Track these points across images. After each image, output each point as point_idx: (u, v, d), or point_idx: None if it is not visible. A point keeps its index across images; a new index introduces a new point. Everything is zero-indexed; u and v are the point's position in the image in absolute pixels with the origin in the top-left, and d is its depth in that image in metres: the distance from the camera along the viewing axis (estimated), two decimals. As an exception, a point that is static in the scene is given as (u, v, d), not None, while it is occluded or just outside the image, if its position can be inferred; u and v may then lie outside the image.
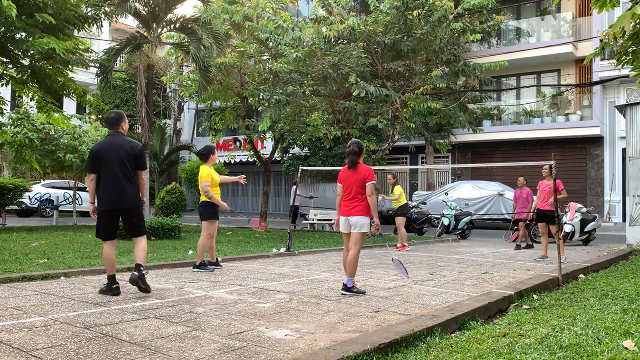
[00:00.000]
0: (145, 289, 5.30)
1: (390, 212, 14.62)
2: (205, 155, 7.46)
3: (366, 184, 5.77)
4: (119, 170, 5.33)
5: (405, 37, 13.13)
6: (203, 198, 7.44)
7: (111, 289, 5.33)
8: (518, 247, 12.00)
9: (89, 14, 13.69)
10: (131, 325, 4.14)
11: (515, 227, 12.82)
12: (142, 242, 5.49)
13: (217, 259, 7.71)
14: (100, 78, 16.17)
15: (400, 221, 11.48)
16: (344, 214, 5.86)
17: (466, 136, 22.32)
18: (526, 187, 12.16)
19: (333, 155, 22.41)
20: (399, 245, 11.22)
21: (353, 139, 6.36)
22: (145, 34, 16.82)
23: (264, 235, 13.77)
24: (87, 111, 26.23)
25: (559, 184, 8.47)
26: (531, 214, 11.91)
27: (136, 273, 5.28)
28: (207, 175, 7.30)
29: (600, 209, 20.19)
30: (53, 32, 12.06)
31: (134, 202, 5.43)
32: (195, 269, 7.30)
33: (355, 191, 5.80)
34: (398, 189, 11.61)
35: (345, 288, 5.70)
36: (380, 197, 11.67)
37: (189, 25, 15.93)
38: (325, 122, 14.98)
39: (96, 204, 5.44)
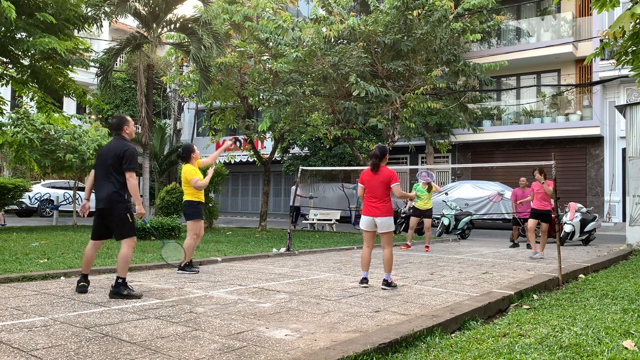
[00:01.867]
0: (126, 296, 5.26)
1: (404, 214, 14.68)
2: (185, 157, 7.23)
3: (391, 186, 6.05)
4: (103, 172, 5.46)
5: (405, 37, 13.12)
6: (186, 197, 7.25)
7: (78, 285, 5.53)
8: (515, 245, 12.15)
9: (89, 14, 13.69)
10: (131, 325, 4.14)
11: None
12: (123, 249, 5.37)
13: (191, 260, 7.36)
14: (100, 78, 16.16)
15: (429, 223, 11.62)
16: (368, 214, 6.11)
17: (466, 136, 22.32)
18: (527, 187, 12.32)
19: (333, 155, 22.39)
20: (428, 245, 11.33)
21: (378, 143, 6.45)
22: (145, 34, 16.82)
23: (264, 236, 13.77)
24: (87, 111, 26.22)
25: (550, 184, 8.94)
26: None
27: (114, 288, 5.27)
28: (191, 172, 7.08)
29: (600, 209, 20.18)
30: (53, 32, 12.05)
31: (110, 204, 5.33)
32: (180, 271, 7.07)
33: (380, 193, 6.07)
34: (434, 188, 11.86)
35: (386, 283, 6.05)
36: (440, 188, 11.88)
37: (189, 26, 15.93)
38: (325, 122, 14.96)
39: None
